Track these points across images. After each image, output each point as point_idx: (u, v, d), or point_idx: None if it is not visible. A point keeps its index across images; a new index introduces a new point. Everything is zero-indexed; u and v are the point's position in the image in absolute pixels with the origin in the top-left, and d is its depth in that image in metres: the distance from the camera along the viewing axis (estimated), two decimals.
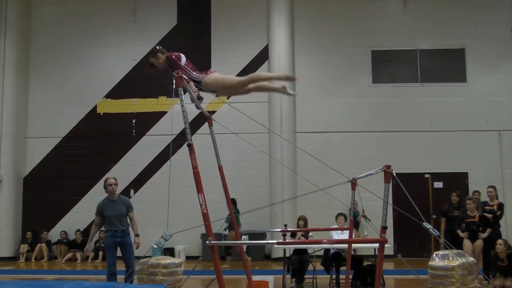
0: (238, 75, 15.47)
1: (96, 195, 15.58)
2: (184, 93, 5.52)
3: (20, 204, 15.89)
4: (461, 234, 11.16)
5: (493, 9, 15.74)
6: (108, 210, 8.88)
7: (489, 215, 11.06)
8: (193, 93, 5.89)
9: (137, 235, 9.00)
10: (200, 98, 6.16)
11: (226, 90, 6.35)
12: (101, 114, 16.16)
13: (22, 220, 15.90)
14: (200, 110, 6.58)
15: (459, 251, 9.65)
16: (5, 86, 15.73)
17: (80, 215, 15.58)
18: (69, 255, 15.18)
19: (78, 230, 15.45)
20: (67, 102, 16.12)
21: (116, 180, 9.10)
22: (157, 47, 6.27)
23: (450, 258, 8.91)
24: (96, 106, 16.16)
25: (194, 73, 6.14)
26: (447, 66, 15.76)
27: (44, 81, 16.39)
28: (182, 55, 6.15)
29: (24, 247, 15.29)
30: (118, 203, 8.98)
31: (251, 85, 6.24)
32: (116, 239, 8.80)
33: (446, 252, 9.17)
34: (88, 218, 15.47)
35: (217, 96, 6.46)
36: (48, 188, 15.73)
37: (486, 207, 11.36)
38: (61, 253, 15.29)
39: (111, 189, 8.96)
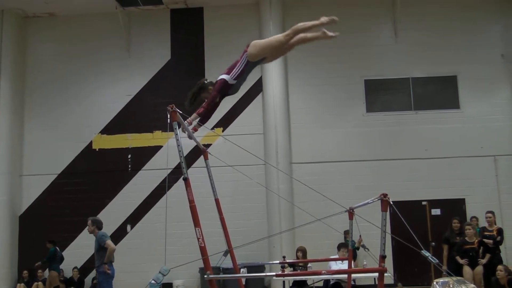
0: (233, 107, 15.61)
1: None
2: (179, 127, 5.55)
3: (16, 242, 15.74)
4: (461, 261, 11.10)
5: (483, 35, 15.94)
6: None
7: (490, 241, 11.02)
8: (187, 124, 5.90)
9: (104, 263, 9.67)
10: (194, 130, 6.19)
11: (275, 52, 6.45)
12: (97, 150, 16.15)
13: (18, 259, 15.73)
14: (195, 144, 6.61)
15: (459, 278, 9.59)
16: (0, 123, 15.72)
17: (77, 252, 15.43)
18: None
19: (75, 267, 15.28)
20: (63, 139, 16.12)
21: (91, 221, 10.03)
22: (205, 81, 6.28)
23: (451, 286, 8.84)
24: (91, 142, 16.16)
25: (238, 65, 6.24)
26: (440, 93, 15.87)
27: (39, 118, 16.42)
28: (222, 76, 6.22)
29: (21, 286, 15.09)
30: (95, 241, 9.87)
31: (294, 40, 6.35)
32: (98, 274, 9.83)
33: (446, 279, 9.12)
34: (85, 255, 15.36)
35: (267, 62, 6.64)
36: (44, 226, 15.61)
37: (486, 233, 11.34)
38: None
39: (88, 230, 10.04)
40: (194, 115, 6.09)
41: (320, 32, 6.26)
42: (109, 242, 9.68)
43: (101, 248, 9.67)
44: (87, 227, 10.04)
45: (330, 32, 6.19)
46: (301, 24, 6.20)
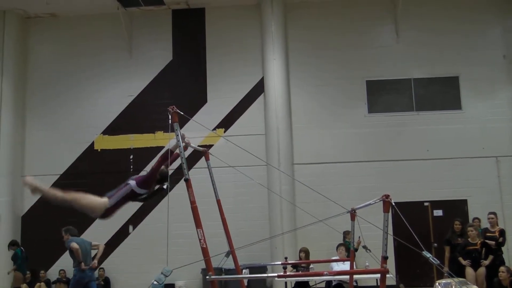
0: (234, 108, 15.61)
1: (95, 232, 15.52)
2: (180, 128, 5.56)
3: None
4: (463, 262, 11.09)
5: (485, 36, 15.92)
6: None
7: (492, 242, 11.01)
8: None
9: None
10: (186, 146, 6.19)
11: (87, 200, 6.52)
12: (99, 150, 16.16)
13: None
14: (197, 144, 6.62)
15: (461, 279, 9.58)
16: (2, 124, 15.74)
17: None
18: None
19: (101, 268, 15.28)
20: (64, 139, 16.13)
21: (63, 231, 10.73)
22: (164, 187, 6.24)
23: (453, 287, 8.82)
24: (93, 142, 16.16)
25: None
26: (442, 94, 15.85)
27: (41, 119, 16.43)
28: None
29: (24, 287, 15.09)
30: None
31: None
32: None
33: (448, 280, 9.09)
34: None
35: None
36: (46, 226, 15.60)
37: (488, 234, 11.32)
38: None
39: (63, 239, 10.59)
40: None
41: None
42: (73, 244, 10.27)
43: (71, 252, 10.32)
44: (62, 237, 10.63)
45: None
46: (50, 196, 6.58)
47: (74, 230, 10.77)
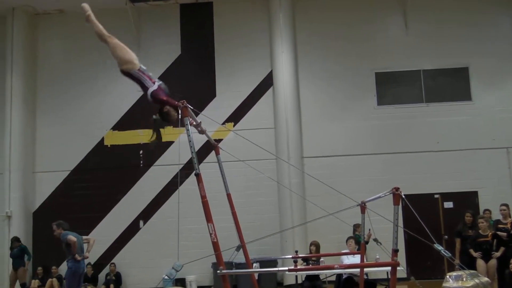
0: (243, 102, 15.57)
1: (106, 227, 15.66)
2: (190, 123, 5.56)
3: (30, 239, 15.85)
4: (474, 254, 11.04)
5: (495, 26, 15.81)
6: None
7: (504, 234, 10.94)
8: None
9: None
10: (202, 132, 6.20)
11: (126, 50, 6.62)
12: (109, 146, 16.22)
13: (32, 255, 15.83)
14: (207, 139, 6.61)
15: (473, 271, 9.54)
16: (13, 120, 15.85)
17: None
18: None
19: (89, 263, 15.33)
20: (75, 135, 16.20)
21: (55, 225, 10.94)
22: (155, 116, 6.33)
23: (464, 279, 8.80)
24: (103, 138, 16.23)
25: (142, 79, 6.35)
26: (451, 85, 15.77)
27: (51, 115, 16.50)
28: (151, 89, 6.25)
29: (35, 283, 15.21)
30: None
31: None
32: None
33: (460, 273, 9.07)
34: (98, 251, 15.46)
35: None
36: None
37: (500, 225, 11.26)
38: None
39: (54, 234, 10.87)
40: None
41: None
42: (70, 236, 10.55)
43: (66, 245, 10.62)
44: (54, 231, 10.87)
45: None
46: (95, 28, 6.82)
47: (66, 225, 11.02)
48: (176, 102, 5.76)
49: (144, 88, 6.22)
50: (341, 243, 13.20)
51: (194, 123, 5.95)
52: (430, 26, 15.81)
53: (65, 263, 15.42)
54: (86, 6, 6.44)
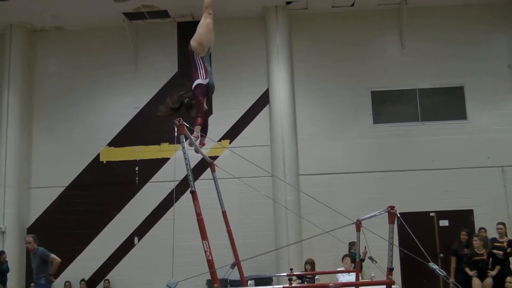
0: (240, 119, 15.64)
1: (100, 243, 15.58)
2: (186, 140, 5.59)
3: (24, 255, 15.70)
4: (470, 273, 11.05)
5: (489, 46, 15.93)
6: (32, 263, 10.60)
7: (500, 252, 10.96)
8: (194, 139, 5.94)
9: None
10: (202, 144, 6.25)
11: (210, 34, 6.82)
12: (104, 162, 16.19)
13: (26, 271, 15.74)
14: (202, 156, 6.63)
15: None
16: (9, 136, 15.81)
17: (84, 265, 15.46)
18: None
19: (83, 279, 15.29)
20: (70, 151, 16.18)
21: (32, 238, 10.78)
22: (186, 100, 6.46)
23: None
24: (99, 154, 16.20)
25: (197, 65, 6.65)
26: (447, 104, 15.84)
27: (47, 131, 16.49)
28: (197, 82, 6.54)
29: None
30: (34, 257, 10.56)
31: None
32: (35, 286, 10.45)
33: None
34: (92, 268, 15.42)
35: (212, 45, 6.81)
36: (52, 238, 15.56)
37: (496, 244, 11.28)
38: None
39: (27, 248, 10.68)
40: (197, 127, 6.14)
41: None
42: (54, 255, 10.53)
43: (43, 262, 10.48)
44: (29, 244, 10.63)
45: None
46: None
47: (38, 239, 10.96)
48: (201, 113, 5.92)
49: (195, 75, 6.50)
50: (336, 261, 13.18)
51: (194, 140, 5.98)
52: (426, 46, 15.92)
53: (59, 279, 15.46)
54: None
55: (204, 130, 6.41)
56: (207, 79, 6.30)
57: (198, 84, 6.26)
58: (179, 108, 6.46)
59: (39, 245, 10.78)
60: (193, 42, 6.37)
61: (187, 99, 6.36)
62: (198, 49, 6.31)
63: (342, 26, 16.27)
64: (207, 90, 6.38)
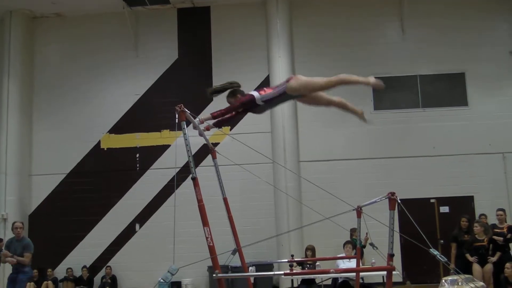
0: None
1: (102, 230, 15.64)
2: (187, 126, 5.57)
3: None
4: (470, 259, 11.08)
5: (491, 32, 15.87)
6: (11, 248, 10.25)
7: (500, 238, 10.98)
8: (197, 122, 5.89)
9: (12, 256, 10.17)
10: (206, 129, 6.22)
11: (313, 94, 6.31)
12: (105, 149, 16.21)
13: None
14: (204, 143, 6.62)
15: (468, 276, 9.57)
16: (9, 124, 15.83)
17: (86, 251, 15.54)
18: None
19: (85, 266, 15.37)
20: (71, 139, 16.20)
21: (22, 224, 10.75)
22: (239, 88, 6.29)
23: (460, 284, 8.82)
24: (99, 141, 16.22)
25: (273, 90, 6.14)
26: (448, 90, 15.82)
27: (47, 118, 16.49)
28: (253, 92, 6.22)
29: (31, 285, 15.11)
30: (18, 244, 10.31)
31: (336, 100, 6.52)
32: (13, 274, 10.25)
33: (455, 277, 9.10)
34: (94, 254, 15.49)
35: (303, 102, 6.54)
36: (54, 225, 15.70)
37: (496, 230, 11.30)
38: None
39: (17, 232, 10.37)
40: (208, 115, 6.09)
41: (360, 111, 6.74)
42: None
43: (22, 252, 10.25)
44: (20, 229, 10.48)
45: (365, 115, 6.71)
46: (346, 76, 6.26)
47: None
48: (227, 110, 6.07)
49: (262, 90, 6.28)
50: (337, 247, 13.22)
51: (198, 123, 5.91)
52: (427, 32, 15.86)
53: (61, 265, 15.56)
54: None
55: (216, 124, 6.36)
56: (263, 103, 6.15)
57: (252, 96, 6.11)
58: (221, 91, 6.37)
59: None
60: (294, 81, 6.04)
61: (240, 88, 6.26)
62: (291, 88, 6.02)
63: (343, 12, 16.20)
64: (252, 107, 6.24)
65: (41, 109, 16.53)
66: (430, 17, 15.91)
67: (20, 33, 16.37)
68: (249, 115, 15.95)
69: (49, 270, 15.42)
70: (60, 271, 15.62)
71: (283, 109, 15.28)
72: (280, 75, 15.42)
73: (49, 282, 15.19)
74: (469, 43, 15.74)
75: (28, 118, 16.39)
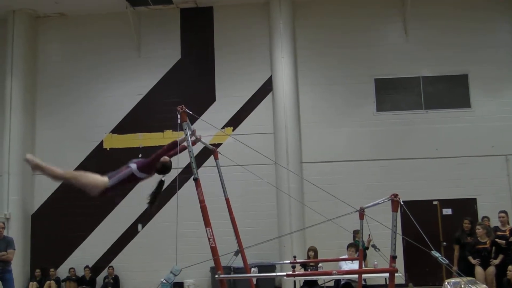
0: (243, 107, 15.52)
1: (104, 230, 15.65)
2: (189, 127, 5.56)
3: (28, 241, 15.84)
4: (473, 261, 11.04)
5: (494, 34, 15.84)
6: None
7: (502, 242, 10.94)
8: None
9: None
10: (197, 140, 6.17)
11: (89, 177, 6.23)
12: (108, 149, 16.21)
13: (30, 258, 15.84)
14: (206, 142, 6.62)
15: (471, 278, 9.54)
16: (12, 123, 15.86)
17: (88, 251, 15.55)
18: None
19: (87, 266, 15.37)
20: (74, 138, 16.20)
21: (4, 224, 11.02)
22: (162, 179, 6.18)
23: (462, 286, 8.80)
24: (102, 141, 16.22)
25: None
26: (450, 92, 15.78)
27: (50, 118, 16.50)
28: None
29: (33, 285, 15.19)
30: (1, 242, 10.32)
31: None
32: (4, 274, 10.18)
33: (457, 280, 9.07)
34: (96, 254, 15.50)
35: None
36: (56, 225, 15.71)
37: (498, 233, 11.26)
38: None
39: (0, 231, 10.42)
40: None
41: None
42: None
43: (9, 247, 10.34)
44: (2, 229, 10.58)
45: None
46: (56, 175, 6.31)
47: None
48: (165, 148, 5.80)
49: (131, 177, 6.12)
50: (339, 249, 13.21)
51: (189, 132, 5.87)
52: (430, 33, 15.83)
53: (63, 265, 15.57)
54: (29, 156, 6.40)
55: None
56: (130, 163, 6.11)
57: (136, 168, 6.06)
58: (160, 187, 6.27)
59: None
60: (96, 190, 6.04)
61: (162, 177, 6.17)
62: (103, 185, 6.02)
63: (346, 13, 16.18)
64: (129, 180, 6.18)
65: (43, 109, 16.53)
66: (433, 18, 15.88)
67: (23, 33, 16.39)
68: (252, 116, 15.99)
69: (52, 270, 15.43)
70: (62, 271, 15.62)
71: (286, 110, 15.28)
72: (283, 76, 15.44)
73: (52, 282, 15.20)
74: (472, 45, 15.70)
75: (31, 118, 16.40)
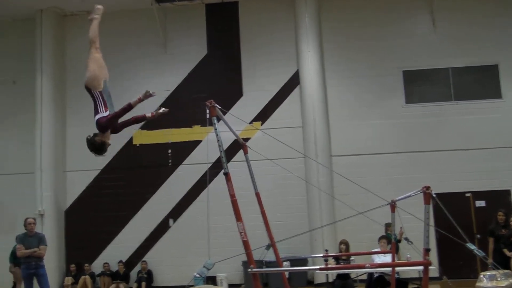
0: (270, 101, 15.49)
1: (136, 225, 15.82)
2: (218, 121, 5.57)
3: (63, 237, 16.11)
4: (508, 254, 10.86)
5: None
6: (26, 243, 10.16)
7: None
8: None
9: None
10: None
11: (99, 66, 6.44)
12: (137, 145, 16.36)
13: (65, 253, 16.10)
14: (235, 138, 6.63)
15: (507, 271, 9.39)
16: (43, 120, 16.10)
17: (121, 246, 15.74)
18: (113, 286, 15.24)
19: (121, 261, 15.56)
20: None
21: (35, 220, 10.68)
22: (93, 138, 6.21)
23: (499, 279, 8.66)
24: (132, 137, 16.36)
25: (98, 104, 6.33)
26: (480, 83, 15.52)
27: (80, 114, 16.59)
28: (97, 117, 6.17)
29: (69, 280, 15.44)
30: (33, 239, 10.27)
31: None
32: (30, 271, 10.10)
33: (493, 272, 8.93)
34: (129, 249, 15.69)
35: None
36: (89, 220, 15.92)
37: None
38: (105, 284, 15.38)
39: (30, 228, 10.31)
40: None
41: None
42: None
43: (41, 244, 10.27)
44: (34, 225, 10.46)
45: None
46: (91, 33, 6.52)
47: None
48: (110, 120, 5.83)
49: (95, 112, 6.13)
50: (370, 242, 13.11)
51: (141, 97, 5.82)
52: (458, 25, 15.59)
53: (98, 260, 15.79)
54: (101, 8, 6.34)
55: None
56: (107, 111, 6.09)
57: (98, 119, 6.06)
58: (97, 150, 6.24)
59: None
60: (88, 82, 6.04)
61: (90, 137, 6.15)
62: (95, 85, 6.03)
63: (372, 5, 16.01)
64: (112, 122, 6.14)
65: (73, 106, 16.69)
66: (461, 9, 15.62)
67: (51, 31, 16.63)
68: (280, 110, 15.99)
69: (86, 265, 15.66)
70: (97, 266, 15.85)
71: (314, 104, 15.22)
72: (310, 70, 15.36)
73: (87, 277, 15.41)
74: (502, 35, 15.41)
75: (62, 114, 16.63)
